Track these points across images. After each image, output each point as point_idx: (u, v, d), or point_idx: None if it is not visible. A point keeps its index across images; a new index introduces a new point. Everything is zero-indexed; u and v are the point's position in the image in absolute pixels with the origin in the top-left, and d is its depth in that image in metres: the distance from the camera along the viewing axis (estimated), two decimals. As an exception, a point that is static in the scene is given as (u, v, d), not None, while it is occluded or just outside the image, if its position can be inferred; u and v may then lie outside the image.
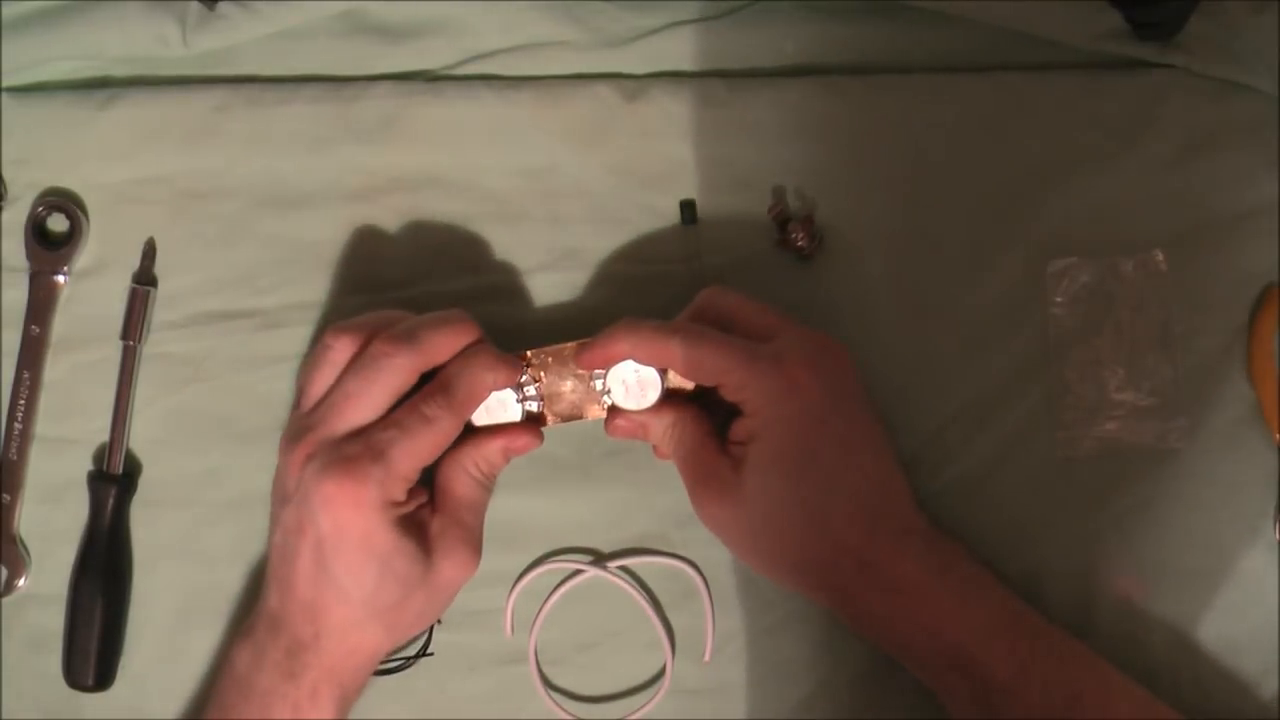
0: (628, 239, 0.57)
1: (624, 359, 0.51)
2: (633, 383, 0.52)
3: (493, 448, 0.52)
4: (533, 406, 0.53)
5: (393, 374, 0.49)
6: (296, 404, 0.52)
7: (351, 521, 0.47)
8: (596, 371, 0.52)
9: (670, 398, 0.52)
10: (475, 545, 0.52)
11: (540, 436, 0.53)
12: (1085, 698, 0.48)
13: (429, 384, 0.50)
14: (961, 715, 0.49)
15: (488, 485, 0.53)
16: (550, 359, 0.52)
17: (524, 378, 0.52)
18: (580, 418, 0.53)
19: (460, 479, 0.52)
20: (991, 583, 0.50)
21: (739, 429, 0.51)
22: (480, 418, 0.52)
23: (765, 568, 0.52)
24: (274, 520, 0.50)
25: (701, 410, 0.52)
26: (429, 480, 0.52)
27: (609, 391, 0.52)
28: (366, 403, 0.49)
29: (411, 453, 0.48)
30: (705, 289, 0.53)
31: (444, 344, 0.50)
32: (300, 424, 0.50)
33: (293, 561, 0.49)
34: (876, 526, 0.49)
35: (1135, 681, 0.49)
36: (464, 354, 0.51)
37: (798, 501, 0.49)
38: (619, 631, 0.56)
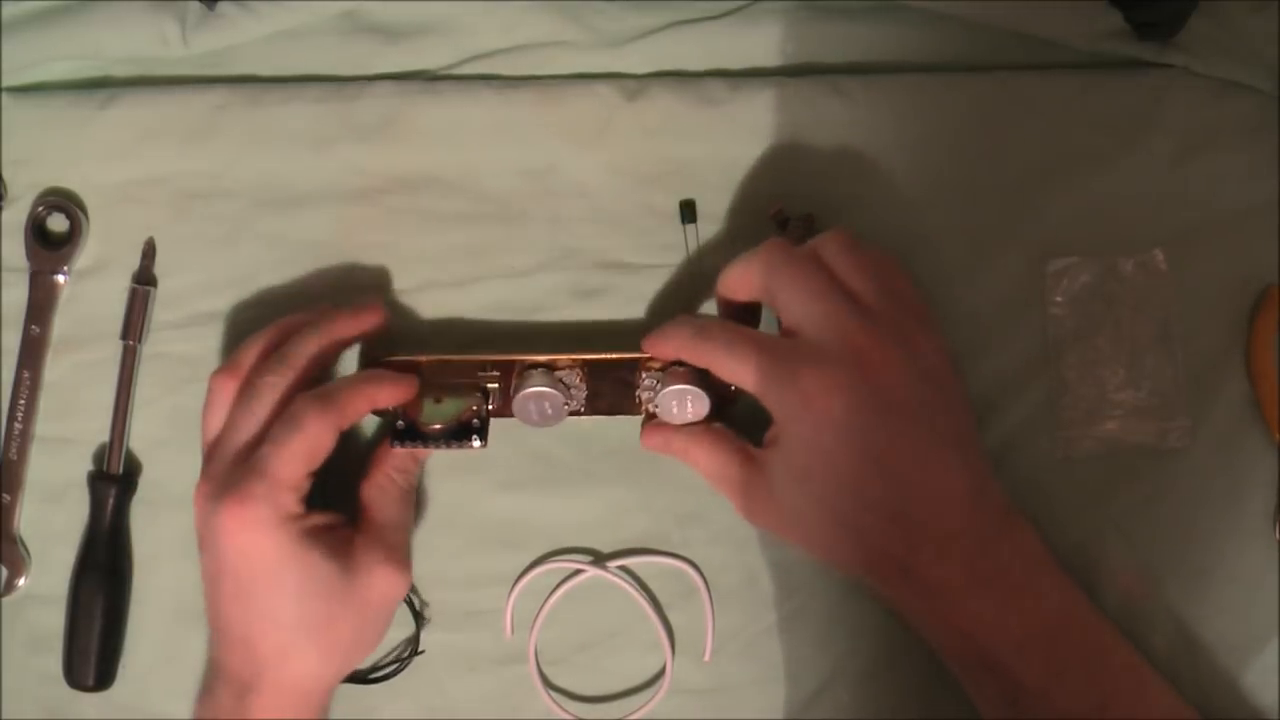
0: (628, 239, 0.57)
1: (675, 356, 0.52)
2: (678, 402, 0.52)
3: (400, 452, 0.53)
4: (578, 406, 0.54)
5: (270, 393, 0.50)
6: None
7: (254, 543, 0.48)
8: (648, 383, 0.53)
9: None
10: (400, 563, 0.52)
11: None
12: (1115, 703, 0.48)
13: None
14: (989, 712, 0.49)
15: (406, 498, 0.53)
16: (593, 367, 0.53)
17: (575, 380, 0.53)
18: (619, 414, 0.54)
19: (377, 498, 0.52)
20: (1047, 585, 0.49)
21: (770, 432, 0.50)
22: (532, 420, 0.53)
23: (816, 557, 0.52)
24: (202, 573, 0.50)
25: (718, 430, 0.52)
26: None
27: (656, 406, 0.52)
28: (248, 429, 0.49)
29: (286, 459, 0.48)
30: (768, 248, 0.50)
31: (313, 350, 0.51)
32: (201, 470, 0.51)
33: (220, 604, 0.49)
34: (916, 534, 0.47)
35: (1172, 686, 0.49)
36: (359, 371, 0.54)
37: (827, 512, 0.48)
38: (619, 631, 0.56)
